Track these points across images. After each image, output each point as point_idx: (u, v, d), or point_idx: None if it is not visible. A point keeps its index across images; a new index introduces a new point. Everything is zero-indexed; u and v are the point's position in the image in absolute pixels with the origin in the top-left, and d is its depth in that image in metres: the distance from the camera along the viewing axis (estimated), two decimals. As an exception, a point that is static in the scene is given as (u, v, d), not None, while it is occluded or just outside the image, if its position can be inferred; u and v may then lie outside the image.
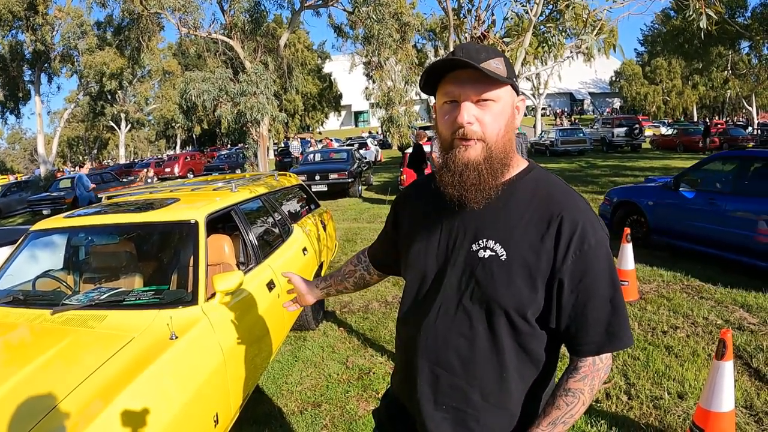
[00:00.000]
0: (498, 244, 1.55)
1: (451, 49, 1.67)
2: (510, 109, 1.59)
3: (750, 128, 42.22)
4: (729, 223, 7.33)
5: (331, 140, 44.65)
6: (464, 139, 1.54)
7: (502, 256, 1.54)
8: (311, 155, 23.52)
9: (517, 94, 1.64)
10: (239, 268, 4.74)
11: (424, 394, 1.66)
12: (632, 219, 9.44)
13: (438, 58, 1.61)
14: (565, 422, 1.58)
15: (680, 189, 8.39)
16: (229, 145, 56.64)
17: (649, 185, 9.61)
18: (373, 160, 34.02)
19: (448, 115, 1.57)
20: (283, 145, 40.39)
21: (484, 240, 1.57)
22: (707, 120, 54.00)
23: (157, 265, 4.75)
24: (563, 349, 1.66)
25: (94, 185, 18.66)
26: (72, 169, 60.91)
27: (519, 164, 1.67)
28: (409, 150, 18.11)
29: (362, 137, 47.07)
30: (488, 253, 1.56)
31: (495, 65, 1.52)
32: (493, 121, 1.54)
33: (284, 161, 31.50)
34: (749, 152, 8.89)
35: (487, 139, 1.54)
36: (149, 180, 16.80)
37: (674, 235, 8.57)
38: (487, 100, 1.53)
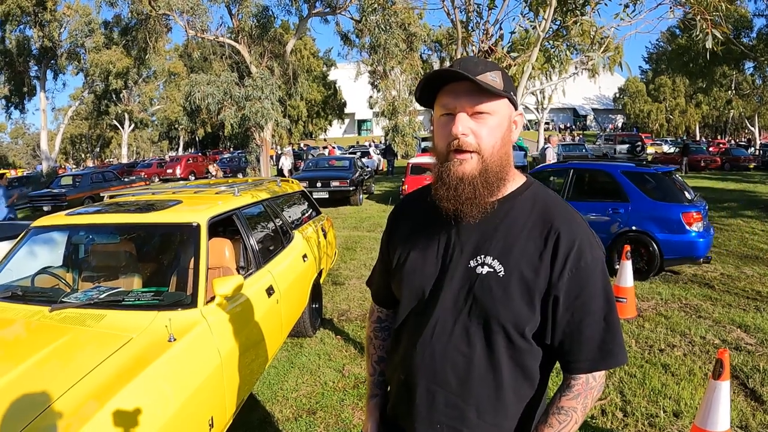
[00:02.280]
0: (496, 260, 1.54)
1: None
2: (507, 123, 1.58)
3: (752, 148, 42.28)
4: None
5: (334, 147, 44.69)
6: (459, 152, 1.53)
7: (500, 272, 1.53)
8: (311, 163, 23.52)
9: (515, 108, 1.63)
10: (239, 273, 4.74)
11: (419, 413, 1.64)
12: None
13: (436, 69, 1.60)
14: None
15: None
16: (231, 149, 56.67)
17: None
18: (375, 168, 34.00)
19: (444, 128, 1.57)
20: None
21: (482, 256, 1.56)
22: (683, 139, 54.00)
23: (157, 266, 4.74)
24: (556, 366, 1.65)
25: (14, 197, 16.97)
26: (74, 166, 60.98)
27: (516, 179, 1.66)
28: (414, 160, 18.14)
29: (365, 145, 47.09)
30: (486, 269, 1.54)
31: (491, 78, 1.52)
32: (488, 134, 1.53)
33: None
34: (570, 165, 10.20)
35: (483, 152, 1.53)
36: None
37: None
38: (483, 113, 1.52)
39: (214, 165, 17.42)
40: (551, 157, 13.60)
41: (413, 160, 18.35)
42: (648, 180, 8.84)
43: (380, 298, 2.01)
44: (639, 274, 8.22)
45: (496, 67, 1.59)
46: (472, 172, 1.53)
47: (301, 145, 40.63)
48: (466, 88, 1.52)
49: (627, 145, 34.18)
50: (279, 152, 35.67)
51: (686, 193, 8.83)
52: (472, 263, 1.57)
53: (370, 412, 1.96)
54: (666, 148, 43.07)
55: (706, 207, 9.37)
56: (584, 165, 10.35)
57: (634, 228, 8.48)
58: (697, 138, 63.57)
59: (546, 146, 13.75)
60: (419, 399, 1.63)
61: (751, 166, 32.19)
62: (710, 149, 38.67)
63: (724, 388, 3.37)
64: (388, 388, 1.90)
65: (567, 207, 1.61)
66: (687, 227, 8.08)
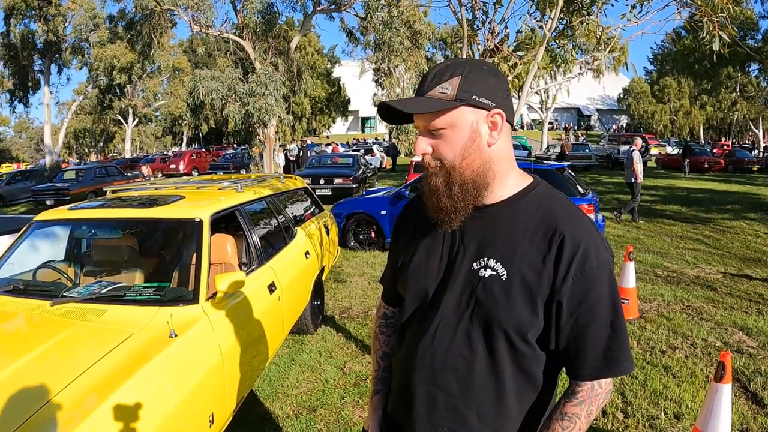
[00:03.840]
0: (499, 263, 1.52)
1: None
2: (468, 131, 1.53)
3: (756, 151, 42.21)
4: None
5: (337, 144, 44.65)
6: (429, 167, 1.57)
7: (503, 276, 1.50)
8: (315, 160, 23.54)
9: (488, 109, 1.53)
10: (241, 269, 4.74)
11: (420, 415, 1.62)
12: (361, 228, 11.34)
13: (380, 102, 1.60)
14: None
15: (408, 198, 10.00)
16: (235, 145, 56.67)
17: (376, 197, 11.37)
18: (378, 166, 34.00)
19: None
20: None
21: (485, 259, 1.54)
22: (686, 140, 53.95)
23: (158, 261, 4.74)
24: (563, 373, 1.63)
25: None
26: (77, 160, 61.05)
27: (521, 180, 1.63)
28: (416, 158, 18.12)
29: (366, 142, 47.08)
30: (489, 272, 1.52)
31: (441, 91, 1.49)
32: (447, 147, 1.53)
33: None
34: (534, 166, 10.42)
35: (446, 166, 1.53)
36: (147, 178, 16.30)
37: None
38: (438, 129, 1.53)
39: (146, 166, 16.78)
40: (638, 160, 13.58)
41: (416, 158, 18.33)
42: (544, 176, 9.10)
43: (388, 296, 2.01)
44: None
45: (460, 72, 1.53)
46: (440, 185, 1.55)
47: (296, 144, 40.12)
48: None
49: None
50: (285, 149, 35.72)
51: (578, 187, 9.88)
52: (475, 266, 1.55)
53: (372, 408, 1.95)
54: (669, 149, 43.06)
55: (597, 200, 10.45)
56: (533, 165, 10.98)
57: None
58: (701, 140, 63.52)
59: (632, 149, 13.66)
60: (419, 401, 1.62)
61: (755, 169, 32.11)
62: (714, 151, 38.57)
63: (726, 390, 3.37)
64: (389, 389, 1.89)
65: (573, 209, 1.58)
66: None
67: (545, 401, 1.62)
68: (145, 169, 15.53)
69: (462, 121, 1.52)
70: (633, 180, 13.44)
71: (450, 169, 1.53)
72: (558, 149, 34.57)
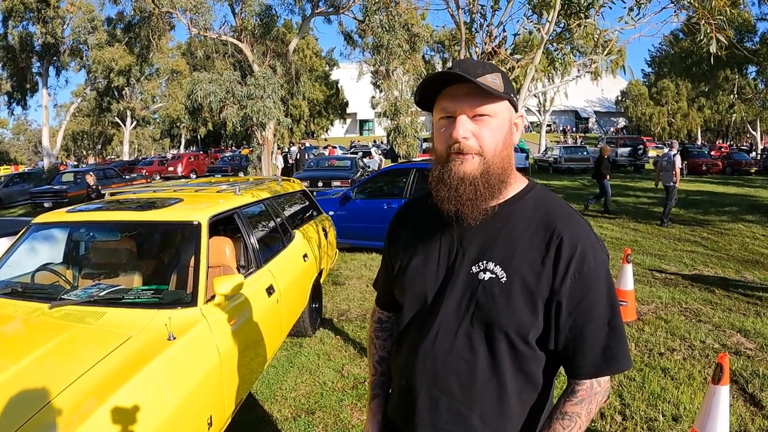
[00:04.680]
0: (498, 266, 1.52)
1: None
2: (508, 125, 1.57)
3: (753, 153, 42.24)
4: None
5: (335, 147, 44.60)
6: (460, 153, 1.52)
7: (502, 278, 1.51)
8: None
9: (516, 111, 1.61)
10: (239, 272, 4.74)
11: (422, 419, 1.62)
12: None
13: (436, 71, 1.58)
14: None
15: (355, 199, 11.08)
16: (233, 147, 56.65)
17: (327, 198, 11.62)
18: (377, 169, 33.98)
19: (444, 131, 1.55)
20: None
21: (484, 262, 1.54)
22: (684, 143, 54.00)
23: (157, 264, 4.74)
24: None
25: None
26: (75, 163, 60.98)
27: (518, 183, 1.64)
28: (416, 160, 18.16)
29: (365, 145, 47.06)
30: (488, 275, 1.53)
31: (492, 80, 1.50)
32: (490, 135, 1.52)
33: None
34: (412, 165, 11.73)
35: (485, 154, 1.51)
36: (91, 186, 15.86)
37: (351, 237, 10.87)
38: (484, 115, 1.51)
39: (91, 174, 16.30)
40: (680, 163, 13.63)
41: (415, 161, 18.38)
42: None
43: (382, 301, 2.00)
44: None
45: (496, 69, 1.57)
46: (474, 173, 1.51)
47: (296, 147, 39.93)
48: (466, 90, 1.51)
49: (629, 148, 34.09)
50: (284, 151, 35.68)
51: None
52: (474, 269, 1.55)
53: (371, 412, 1.95)
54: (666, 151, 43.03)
55: None
56: (424, 165, 11.75)
57: None
58: (699, 142, 63.55)
59: (673, 153, 13.67)
60: (421, 405, 1.62)
61: (753, 171, 32.14)
62: (711, 153, 38.60)
63: (724, 392, 3.37)
64: (390, 390, 1.89)
65: (569, 211, 1.59)
66: None
67: (544, 401, 1.63)
68: (90, 179, 15.11)
69: (505, 112, 1.56)
70: (672, 183, 13.45)
71: (487, 156, 1.52)
72: (556, 152, 34.49)
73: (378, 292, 2.04)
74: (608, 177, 15.70)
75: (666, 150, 15.15)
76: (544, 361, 1.58)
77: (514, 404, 1.57)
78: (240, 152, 33.71)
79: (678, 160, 13.53)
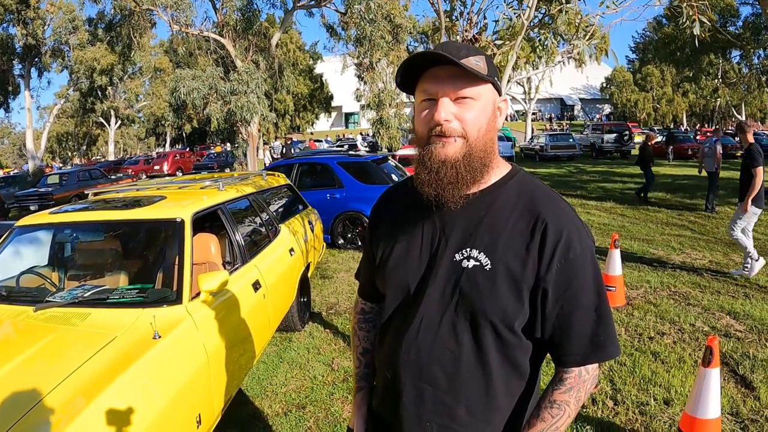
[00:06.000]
0: (482, 253, 1.50)
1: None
2: (491, 108, 1.54)
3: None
4: None
5: (315, 141, 44.39)
6: (441, 136, 1.49)
7: (486, 266, 1.49)
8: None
9: (500, 94, 1.59)
10: (225, 268, 4.70)
11: (407, 411, 1.60)
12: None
13: (417, 52, 1.55)
14: None
15: None
16: (220, 144, 56.51)
17: None
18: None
19: (425, 113, 1.52)
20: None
21: (468, 249, 1.52)
22: (670, 128, 54.27)
23: (142, 263, 4.70)
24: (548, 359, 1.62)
25: None
26: (60, 165, 60.69)
27: (501, 168, 1.62)
28: (400, 152, 18.14)
29: (351, 138, 46.96)
30: (472, 263, 1.50)
31: (475, 62, 1.47)
32: (473, 118, 1.49)
33: None
34: (296, 159, 12.34)
35: (468, 136, 1.49)
36: None
37: None
38: (467, 97, 1.48)
39: None
40: (720, 150, 13.71)
41: (400, 152, 18.38)
42: (359, 168, 10.96)
43: (365, 292, 1.98)
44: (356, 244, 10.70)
45: (480, 51, 1.55)
46: (456, 155, 1.49)
47: (280, 141, 39.59)
48: (449, 73, 1.48)
49: (614, 135, 34.19)
50: (270, 146, 35.65)
51: (393, 176, 11.01)
52: (458, 257, 1.53)
53: (356, 405, 1.94)
54: (659, 137, 43.25)
55: None
56: (307, 159, 12.58)
57: (350, 209, 10.59)
58: (685, 126, 63.83)
59: (714, 139, 13.75)
60: (406, 397, 1.60)
61: (738, 154, 32.23)
62: (697, 138, 38.74)
63: (714, 375, 3.38)
64: (374, 382, 1.88)
65: (554, 196, 1.56)
66: None
67: (531, 390, 1.62)
68: None
69: (488, 96, 1.53)
70: (714, 169, 13.51)
71: (470, 138, 1.49)
72: (542, 139, 34.52)
73: (360, 282, 2.01)
74: (652, 164, 15.65)
75: (709, 138, 15.24)
76: (530, 349, 1.56)
77: (500, 394, 1.55)
78: (233, 149, 33.61)
79: (719, 147, 13.64)
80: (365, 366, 1.97)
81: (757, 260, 7.55)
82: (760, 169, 7.62)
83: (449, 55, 1.44)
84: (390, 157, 12.62)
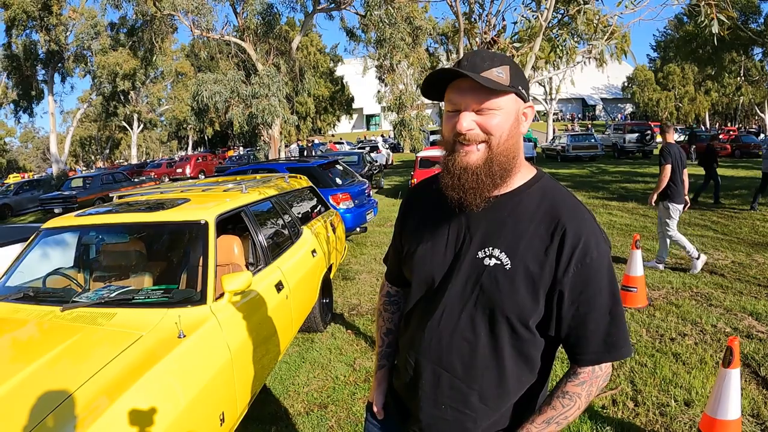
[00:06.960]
0: (503, 253, 1.57)
1: (461, 54, 1.67)
2: (514, 116, 1.60)
3: (762, 135, 41.95)
4: None
5: (336, 144, 44.39)
6: (464, 144, 1.57)
7: (507, 265, 1.56)
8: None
9: (525, 101, 1.64)
10: (248, 269, 4.76)
11: (426, 393, 1.69)
12: None
13: (440, 68, 1.62)
14: (558, 423, 1.62)
15: None
16: (241, 147, 56.74)
17: None
18: (384, 163, 34.00)
19: (450, 122, 1.60)
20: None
21: (490, 248, 1.59)
22: (692, 127, 53.67)
23: (166, 264, 4.77)
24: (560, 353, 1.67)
25: None
26: (84, 168, 61.27)
27: (526, 172, 1.68)
28: (422, 153, 18.13)
29: (372, 140, 46.96)
30: (494, 261, 1.57)
31: (497, 74, 1.53)
32: (495, 126, 1.55)
33: None
34: (248, 166, 12.67)
35: (490, 142, 1.55)
36: None
37: None
38: (490, 109, 1.55)
39: None
40: None
41: (422, 154, 18.35)
42: (305, 173, 10.72)
43: (392, 277, 2.08)
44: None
45: (506, 61, 1.60)
46: (477, 162, 1.56)
47: (296, 144, 39.60)
48: (471, 85, 1.54)
49: (636, 134, 33.90)
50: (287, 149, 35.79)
51: (337, 179, 11.90)
52: (480, 254, 1.60)
53: (377, 381, 2.06)
54: (676, 137, 42.84)
55: (363, 188, 12.50)
56: (258, 165, 12.89)
57: None
58: (707, 125, 63.20)
59: None
60: (425, 380, 1.69)
61: (761, 153, 31.95)
62: (720, 137, 38.36)
63: (735, 376, 3.37)
64: (396, 362, 1.96)
65: (575, 202, 1.63)
66: (335, 206, 10.37)
67: (542, 383, 1.71)
68: None
69: (510, 105, 1.59)
70: None
71: (493, 146, 1.56)
72: (563, 140, 34.36)
73: (388, 267, 2.12)
74: (716, 165, 15.32)
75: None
76: (543, 345, 1.65)
77: (512, 385, 1.64)
78: (254, 152, 33.81)
79: None
80: (387, 345, 2.07)
81: (661, 263, 8.25)
82: (667, 168, 7.99)
83: (472, 69, 1.52)
84: (337, 163, 13.28)
